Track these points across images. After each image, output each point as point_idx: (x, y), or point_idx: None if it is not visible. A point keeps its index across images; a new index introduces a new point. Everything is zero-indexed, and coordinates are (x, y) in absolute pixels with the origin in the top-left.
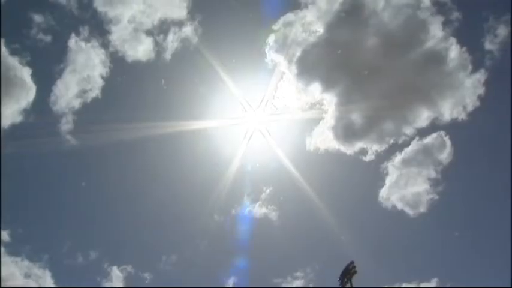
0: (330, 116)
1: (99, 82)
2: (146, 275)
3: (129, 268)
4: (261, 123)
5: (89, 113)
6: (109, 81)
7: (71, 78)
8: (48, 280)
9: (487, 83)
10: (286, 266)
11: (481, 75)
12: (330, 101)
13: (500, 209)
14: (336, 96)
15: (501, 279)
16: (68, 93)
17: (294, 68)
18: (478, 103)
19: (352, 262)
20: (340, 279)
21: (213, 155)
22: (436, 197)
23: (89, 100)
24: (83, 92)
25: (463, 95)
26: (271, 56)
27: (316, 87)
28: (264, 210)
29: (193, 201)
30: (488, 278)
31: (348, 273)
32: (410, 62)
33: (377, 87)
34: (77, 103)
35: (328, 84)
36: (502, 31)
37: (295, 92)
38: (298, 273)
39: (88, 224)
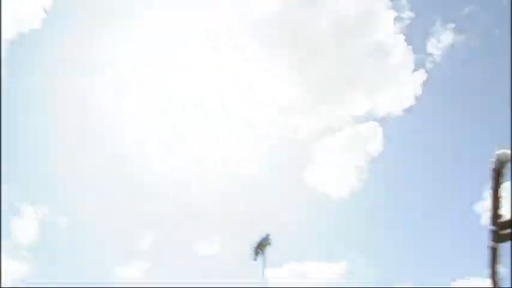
0: (270, 89)
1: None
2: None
3: (46, 209)
4: (204, 89)
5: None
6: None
7: None
8: None
9: (425, 85)
10: (205, 229)
11: (420, 76)
12: (272, 73)
13: (420, 204)
14: (280, 69)
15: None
16: None
17: (240, 40)
18: (413, 102)
19: (268, 235)
20: (254, 249)
21: None
22: (360, 184)
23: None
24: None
25: (401, 91)
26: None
27: (260, 59)
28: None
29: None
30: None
31: (262, 244)
32: (356, 50)
33: (320, 69)
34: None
35: (273, 58)
36: (446, 38)
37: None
38: (216, 237)
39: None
